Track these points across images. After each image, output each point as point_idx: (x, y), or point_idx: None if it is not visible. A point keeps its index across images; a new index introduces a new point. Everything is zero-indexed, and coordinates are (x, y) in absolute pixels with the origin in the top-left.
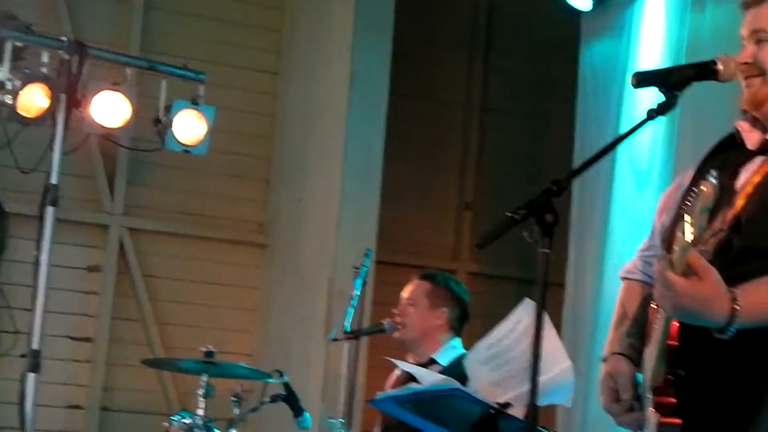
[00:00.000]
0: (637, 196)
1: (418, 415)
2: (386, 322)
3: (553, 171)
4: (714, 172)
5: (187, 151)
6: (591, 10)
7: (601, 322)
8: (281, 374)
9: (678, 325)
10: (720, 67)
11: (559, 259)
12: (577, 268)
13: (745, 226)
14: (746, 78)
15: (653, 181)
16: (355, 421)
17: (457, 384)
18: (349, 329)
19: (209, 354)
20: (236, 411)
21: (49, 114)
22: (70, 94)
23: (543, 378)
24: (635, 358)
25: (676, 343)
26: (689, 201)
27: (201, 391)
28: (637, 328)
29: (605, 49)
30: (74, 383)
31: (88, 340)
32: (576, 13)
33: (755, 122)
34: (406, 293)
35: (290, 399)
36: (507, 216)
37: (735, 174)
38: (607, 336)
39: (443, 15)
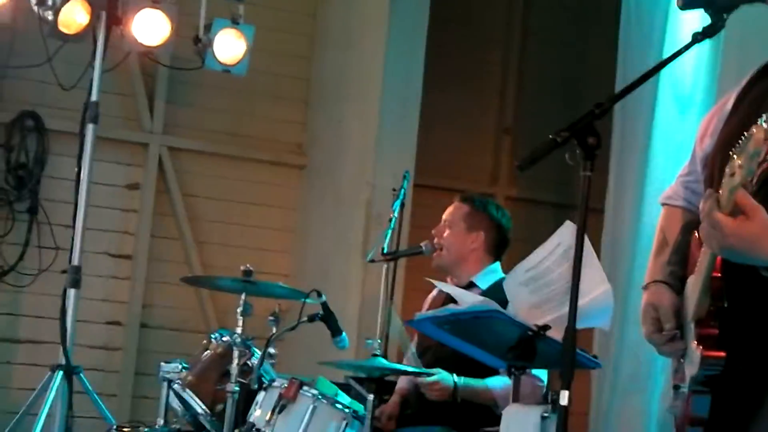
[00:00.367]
0: (678, 122)
1: (456, 336)
2: (424, 245)
3: (593, 96)
4: (765, 116)
5: (226, 71)
6: None
7: (641, 248)
8: (319, 294)
9: (722, 258)
10: None
11: (598, 184)
12: (616, 194)
13: None
14: None
15: (695, 106)
16: (392, 342)
17: (496, 305)
18: (386, 251)
19: (248, 273)
20: (274, 330)
21: (90, 31)
22: (111, 11)
23: (582, 301)
24: (676, 286)
25: (720, 275)
26: (740, 141)
27: (239, 310)
28: (679, 256)
29: None
30: (114, 300)
31: (127, 257)
32: None
33: None
34: (445, 215)
35: (328, 319)
36: (549, 138)
37: None
38: (648, 263)
39: None
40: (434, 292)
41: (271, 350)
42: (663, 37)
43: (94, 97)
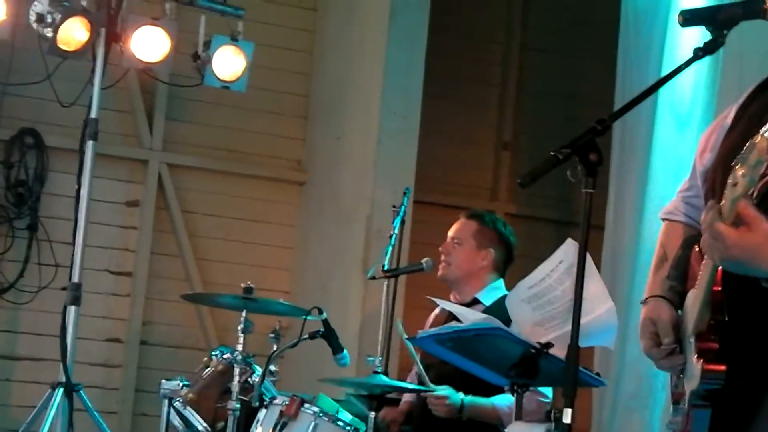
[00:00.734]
0: (678, 138)
1: (459, 354)
2: (425, 261)
3: (592, 111)
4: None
5: (226, 87)
6: None
7: (641, 264)
8: (320, 311)
9: (722, 270)
10: None
11: (598, 200)
12: (617, 210)
13: None
14: None
15: (695, 123)
16: (392, 359)
17: (498, 323)
18: (387, 268)
19: (248, 290)
20: (275, 347)
21: (89, 48)
22: (110, 28)
23: (585, 319)
24: (676, 301)
25: (721, 289)
26: (742, 152)
27: (240, 327)
28: (678, 271)
29: None
30: (114, 317)
31: (127, 274)
32: None
33: None
34: (452, 232)
35: (329, 336)
36: (550, 155)
37: None
38: (648, 278)
39: None
40: (437, 310)
41: (272, 367)
42: (662, 51)
43: (93, 114)
